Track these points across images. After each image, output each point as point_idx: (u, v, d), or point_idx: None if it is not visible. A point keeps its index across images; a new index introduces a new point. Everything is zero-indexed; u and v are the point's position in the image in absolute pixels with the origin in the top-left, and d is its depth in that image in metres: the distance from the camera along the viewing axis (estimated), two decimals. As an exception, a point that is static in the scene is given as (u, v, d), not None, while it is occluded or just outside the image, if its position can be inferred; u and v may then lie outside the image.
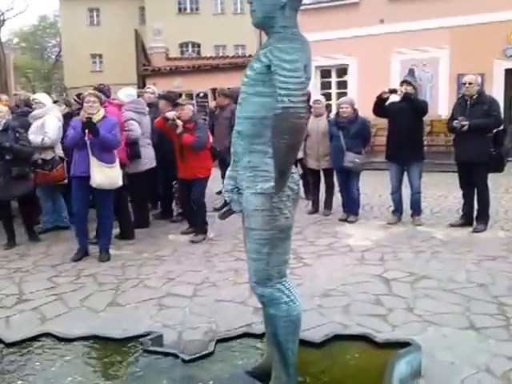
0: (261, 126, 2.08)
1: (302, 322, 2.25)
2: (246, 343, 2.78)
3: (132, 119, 5.89)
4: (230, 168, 2.33)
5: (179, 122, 5.36)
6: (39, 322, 3.49)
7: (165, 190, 7.00)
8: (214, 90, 15.89)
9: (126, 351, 2.74)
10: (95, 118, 4.76)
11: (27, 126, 5.73)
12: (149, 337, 2.82)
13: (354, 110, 6.24)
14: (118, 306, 3.78)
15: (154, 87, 7.62)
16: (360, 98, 11.04)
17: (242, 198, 2.18)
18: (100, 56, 30.23)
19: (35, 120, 5.83)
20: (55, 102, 6.65)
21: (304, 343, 2.51)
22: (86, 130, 4.69)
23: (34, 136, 5.66)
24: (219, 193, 6.48)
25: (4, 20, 29.74)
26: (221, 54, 23.85)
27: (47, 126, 5.77)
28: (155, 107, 6.63)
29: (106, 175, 4.78)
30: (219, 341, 2.77)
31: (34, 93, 11.26)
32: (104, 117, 4.88)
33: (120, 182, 5.01)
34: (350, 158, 6.09)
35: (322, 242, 5.40)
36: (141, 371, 2.53)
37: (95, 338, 2.91)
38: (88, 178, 4.76)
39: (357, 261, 4.69)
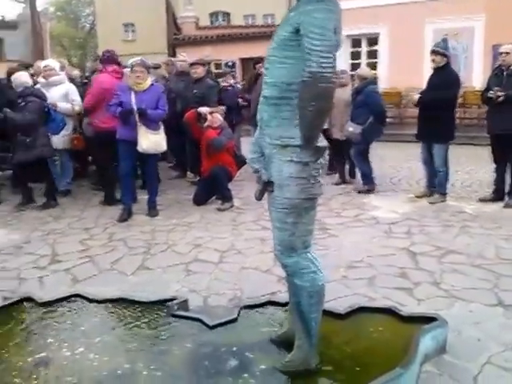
0: (288, 91, 2.02)
1: (326, 293, 2.25)
2: (270, 311, 2.81)
3: None
4: (254, 137, 2.29)
5: (209, 117, 5.72)
6: (71, 283, 3.61)
7: (193, 155, 7.09)
8: (243, 60, 15.73)
9: (153, 314, 2.81)
10: (142, 87, 5.09)
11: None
12: (175, 301, 2.88)
13: (364, 78, 6.25)
14: (147, 270, 3.86)
15: (185, 55, 7.68)
16: (391, 68, 10.77)
17: (269, 167, 2.12)
18: (132, 25, 30.14)
19: (51, 87, 6.03)
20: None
21: (328, 314, 2.52)
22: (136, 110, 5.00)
23: (63, 104, 6.00)
24: None
25: (40, -11, 29.75)
26: (250, 24, 23.56)
27: (73, 94, 6.18)
28: (186, 75, 6.72)
29: (151, 141, 5.09)
30: (243, 308, 2.82)
31: (69, 61, 11.31)
32: (151, 85, 5.19)
33: (164, 147, 5.30)
34: (347, 127, 6.23)
35: (348, 213, 5.37)
36: (166, 334, 2.60)
37: (124, 300, 2.99)
38: (134, 142, 5.04)
39: (383, 233, 4.65)
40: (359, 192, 6.25)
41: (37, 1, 26.37)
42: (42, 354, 2.44)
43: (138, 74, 5.07)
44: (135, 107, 4.97)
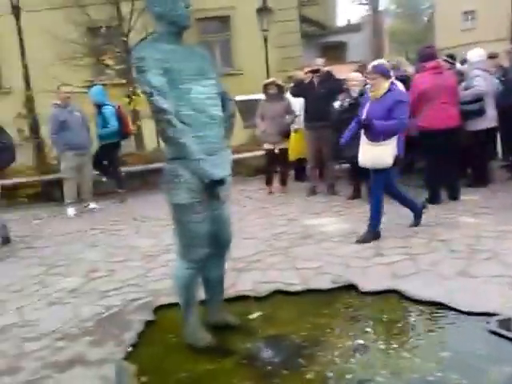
0: None
1: None
2: None
3: (477, 76, 6.16)
4: None
5: None
6: (390, 277, 3.76)
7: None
8: None
9: (470, 327, 2.70)
10: (375, 95, 4.65)
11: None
12: (496, 317, 2.70)
13: None
14: (467, 277, 3.68)
15: None
16: None
17: None
18: (472, 12, 28.51)
19: None
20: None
21: None
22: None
23: None
24: None
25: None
26: None
27: None
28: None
29: (371, 155, 4.57)
30: None
31: (406, 57, 11.65)
32: (389, 91, 4.57)
33: (387, 162, 4.53)
34: None
35: None
36: (484, 352, 2.46)
37: (440, 304, 2.97)
38: None
39: None
40: None
41: (380, 1, 27.92)
42: (360, 341, 2.67)
43: (371, 80, 4.78)
44: (363, 118, 4.62)
